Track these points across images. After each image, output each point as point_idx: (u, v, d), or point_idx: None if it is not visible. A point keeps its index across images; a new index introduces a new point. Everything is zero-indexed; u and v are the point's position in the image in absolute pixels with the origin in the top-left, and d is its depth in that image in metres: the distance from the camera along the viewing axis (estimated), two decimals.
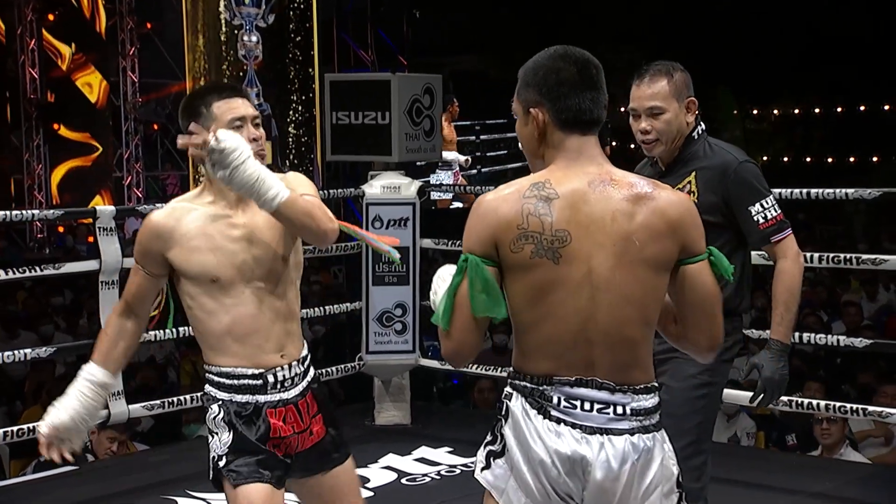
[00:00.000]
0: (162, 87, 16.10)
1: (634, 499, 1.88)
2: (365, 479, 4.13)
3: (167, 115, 16.09)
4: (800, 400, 4.17)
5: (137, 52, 15.68)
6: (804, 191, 4.03)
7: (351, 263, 7.43)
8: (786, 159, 18.03)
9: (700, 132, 2.79)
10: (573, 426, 1.87)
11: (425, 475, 4.23)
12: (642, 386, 1.91)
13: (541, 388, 1.89)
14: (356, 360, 4.96)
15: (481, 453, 1.98)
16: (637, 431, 1.88)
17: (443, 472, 4.27)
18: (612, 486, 1.86)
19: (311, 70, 15.24)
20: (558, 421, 1.87)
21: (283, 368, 2.41)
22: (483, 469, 1.96)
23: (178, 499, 3.88)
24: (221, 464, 2.36)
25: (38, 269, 4.17)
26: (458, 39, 19.11)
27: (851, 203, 7.87)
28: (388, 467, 4.30)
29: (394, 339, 4.92)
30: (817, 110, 19.45)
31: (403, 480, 4.17)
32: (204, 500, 3.85)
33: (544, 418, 1.88)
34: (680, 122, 2.74)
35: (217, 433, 2.39)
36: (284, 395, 2.41)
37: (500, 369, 5.12)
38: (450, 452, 4.49)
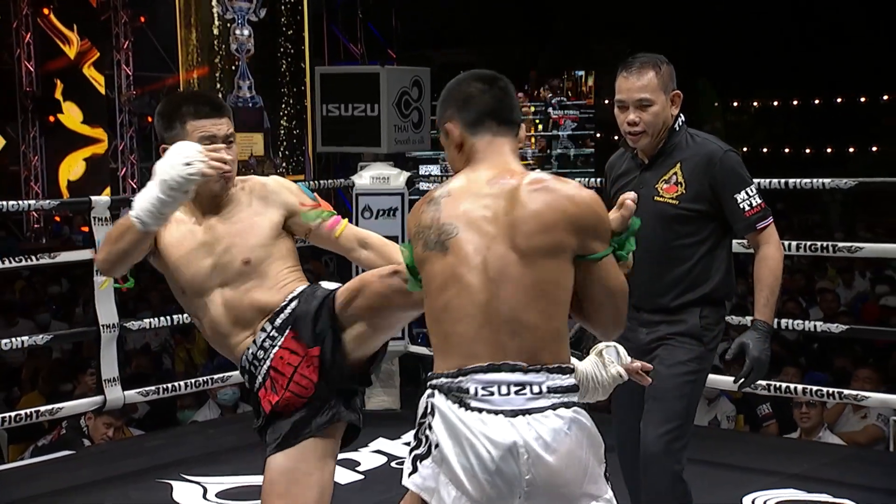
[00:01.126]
0: (155, 81, 16.03)
1: (579, 470, 1.86)
2: (356, 463, 4.14)
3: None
4: (778, 384, 4.20)
5: (131, 45, 15.60)
6: (783, 181, 4.04)
7: None
8: (765, 150, 18.06)
9: (681, 124, 2.78)
10: (495, 413, 1.84)
11: None
12: (555, 366, 1.88)
13: (456, 380, 1.87)
14: None
15: (407, 460, 1.95)
16: (559, 406, 1.86)
17: None
18: (556, 461, 1.84)
19: (302, 63, 15.19)
20: (479, 410, 1.85)
21: (250, 347, 2.34)
22: (410, 474, 1.92)
23: (172, 482, 3.88)
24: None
25: (34, 258, 4.15)
26: (446, 32, 19.06)
27: (828, 193, 7.89)
28: (378, 451, 4.30)
29: None
30: (795, 102, 19.49)
31: (393, 464, 4.17)
32: (198, 483, 3.85)
33: (466, 410, 1.85)
34: (666, 115, 2.73)
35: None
36: (264, 367, 2.32)
37: None
38: None
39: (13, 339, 4.14)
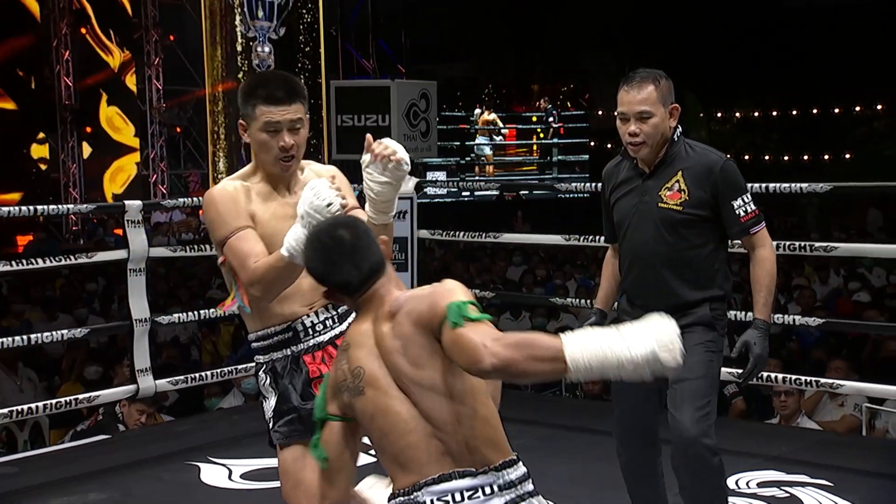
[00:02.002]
0: (183, 94, 16.05)
1: None
2: (367, 446, 4.13)
3: (188, 118, 16.05)
4: (762, 373, 4.18)
5: (162, 61, 15.63)
6: (763, 185, 4.03)
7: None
8: (746, 157, 18.02)
9: (679, 134, 2.75)
10: None
11: None
12: (501, 462, 1.83)
13: (412, 496, 1.82)
14: None
15: None
16: (514, 502, 1.81)
17: None
18: None
19: (318, 77, 15.21)
20: None
21: (309, 315, 2.35)
22: None
23: (200, 464, 3.88)
24: (270, 426, 2.36)
25: (73, 257, 4.16)
26: (450, 48, 19.06)
27: (805, 197, 7.90)
28: None
29: None
30: (775, 113, 19.45)
31: None
32: (223, 465, 3.85)
33: None
34: (665, 127, 2.70)
35: (266, 398, 2.38)
36: (318, 339, 2.35)
37: None
38: None
39: (54, 333, 4.16)
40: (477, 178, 19.12)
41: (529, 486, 1.86)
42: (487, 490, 1.81)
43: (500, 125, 19.72)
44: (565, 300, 5.71)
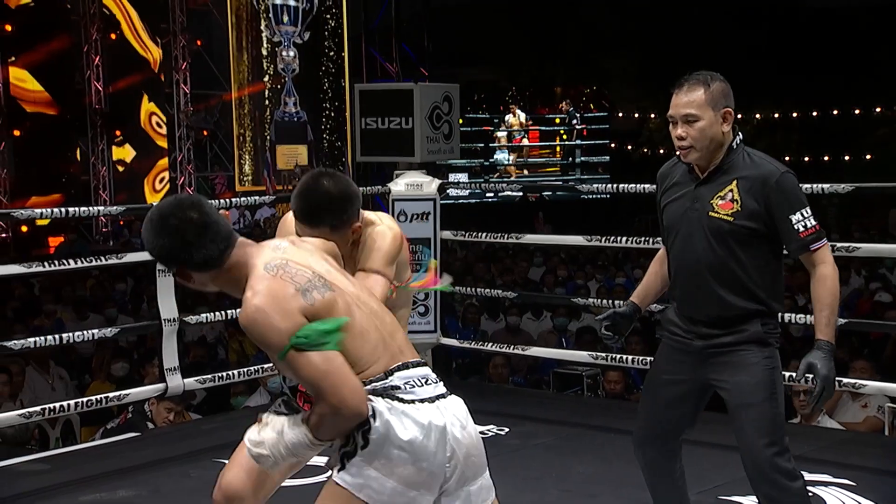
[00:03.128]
0: (210, 98, 16.14)
1: (481, 444, 2.01)
2: None
3: (215, 122, 16.14)
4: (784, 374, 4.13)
5: (189, 66, 15.72)
6: None
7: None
8: None
9: (738, 142, 2.60)
10: (421, 401, 1.94)
11: None
12: (420, 359, 2.03)
13: (386, 381, 1.94)
14: None
15: (336, 458, 1.97)
16: (448, 394, 2.00)
17: None
18: (467, 437, 1.96)
19: (341, 81, 15.24)
20: (412, 402, 1.93)
21: None
22: (339, 471, 1.95)
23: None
24: None
25: (103, 258, 4.18)
26: (472, 52, 19.06)
27: (826, 197, 7.78)
28: None
29: (417, 321, 4.92)
30: (795, 114, 19.30)
31: None
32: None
33: (404, 404, 1.93)
34: (715, 131, 2.55)
35: None
36: None
37: (512, 347, 5.11)
38: None
39: (85, 332, 4.18)
40: (500, 179, 19.11)
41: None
42: (431, 378, 2.00)
43: (525, 125, 19.71)
44: (587, 300, 5.69)
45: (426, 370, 2.00)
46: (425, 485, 1.93)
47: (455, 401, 1.99)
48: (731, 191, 2.57)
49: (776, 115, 19.25)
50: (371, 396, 1.93)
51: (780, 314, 2.67)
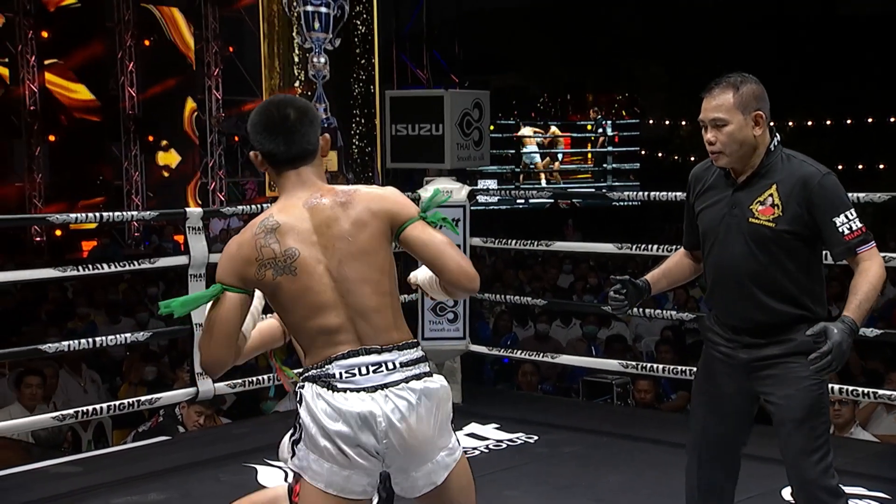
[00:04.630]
0: (242, 104, 16.26)
1: (430, 431, 2.03)
2: None
3: (246, 128, 16.27)
4: None
5: (221, 72, 15.87)
6: None
7: (408, 258, 7.43)
8: None
9: (776, 144, 2.53)
10: (357, 391, 2.00)
11: (475, 448, 4.21)
12: (403, 343, 2.06)
13: (324, 369, 2.02)
14: None
15: (288, 446, 2.09)
16: (411, 379, 2.03)
17: (490, 446, 4.25)
18: (407, 428, 2.00)
19: (371, 87, 15.30)
20: (344, 390, 2.01)
21: None
22: (291, 458, 2.07)
23: (257, 466, 3.91)
24: None
25: (136, 262, 4.23)
26: (503, 58, 19.06)
27: (861, 206, 7.68)
28: None
29: (446, 327, 4.92)
30: (828, 122, 19.10)
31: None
32: (280, 467, 3.87)
33: (333, 392, 2.01)
34: (745, 135, 2.48)
35: None
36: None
37: (541, 355, 5.09)
38: (497, 429, 4.47)
39: (118, 336, 4.23)
40: (530, 185, 19.08)
41: (425, 367, 2.08)
42: (390, 365, 2.03)
43: (541, 133, 19.66)
44: None
45: (388, 356, 2.03)
46: (357, 466, 2.02)
47: (408, 390, 2.01)
48: (771, 195, 2.49)
49: (809, 123, 19.06)
50: (304, 383, 2.05)
51: (825, 319, 2.57)
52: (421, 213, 2.09)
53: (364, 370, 2.02)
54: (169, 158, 16.00)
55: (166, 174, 16.11)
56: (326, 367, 2.02)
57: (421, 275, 2.26)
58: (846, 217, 2.45)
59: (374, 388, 2.01)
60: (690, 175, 2.71)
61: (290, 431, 2.08)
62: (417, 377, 2.04)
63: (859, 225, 2.45)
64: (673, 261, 2.79)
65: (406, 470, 2.06)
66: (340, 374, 2.01)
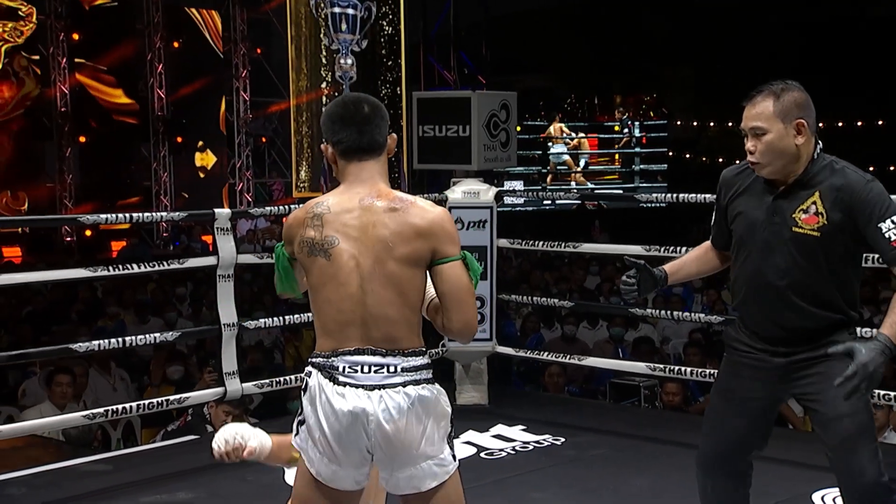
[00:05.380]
0: (269, 105, 16.36)
1: (416, 436, 2.11)
2: None
3: (273, 129, 16.35)
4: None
5: (249, 73, 15.96)
6: None
7: None
8: None
9: (819, 152, 2.49)
10: (356, 386, 2.10)
11: (502, 450, 4.21)
12: (410, 350, 2.14)
13: (330, 360, 2.13)
14: (440, 346, 4.96)
15: (295, 424, 2.21)
16: (409, 384, 2.11)
17: (517, 448, 4.24)
18: (394, 428, 2.09)
19: (398, 89, 15.34)
20: (344, 384, 2.11)
21: None
22: (295, 436, 2.21)
23: (284, 466, 3.92)
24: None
25: (165, 263, 4.26)
26: (530, 60, 19.04)
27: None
28: (468, 442, 4.29)
29: None
30: (859, 124, 18.91)
31: (482, 455, 4.16)
32: None
33: (334, 384, 2.11)
34: (785, 144, 2.44)
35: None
36: None
37: (568, 357, 5.08)
38: (523, 430, 4.47)
39: (147, 336, 4.26)
40: (556, 187, 19.04)
41: (427, 374, 2.15)
42: (392, 369, 2.12)
43: (569, 133, 19.60)
44: (644, 310, 5.63)
45: (392, 360, 2.11)
46: (345, 462, 2.13)
47: (401, 394, 2.10)
48: (815, 203, 2.46)
49: (840, 125, 18.89)
50: (311, 369, 2.16)
51: (856, 326, 2.57)
52: (463, 254, 2.16)
53: (366, 369, 2.11)
54: (206, 159, 16.11)
55: (202, 175, 16.21)
56: (332, 359, 2.13)
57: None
58: (893, 223, 2.40)
59: (372, 388, 2.10)
60: (721, 177, 2.67)
61: (298, 410, 2.20)
62: (416, 383, 2.12)
63: None
64: (696, 253, 2.76)
65: (389, 468, 2.15)
66: (344, 368, 2.11)
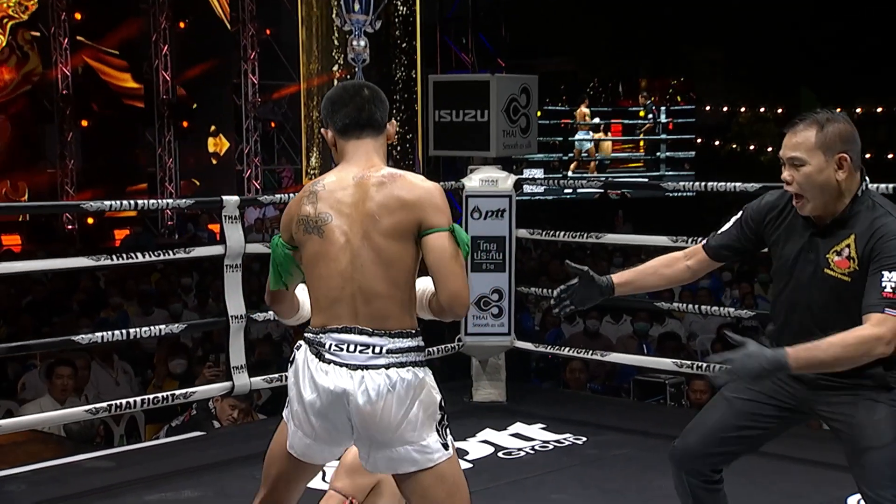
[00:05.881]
0: (278, 88, 16.37)
1: (394, 420, 2.17)
2: (464, 452, 4.14)
3: (283, 113, 16.37)
4: None
5: (258, 56, 15.96)
6: (889, 185, 3.88)
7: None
8: (868, 155, 17.42)
9: (863, 190, 2.44)
10: (340, 365, 2.19)
11: (520, 449, 4.22)
12: (397, 331, 2.20)
13: (318, 336, 2.23)
14: (455, 340, 4.97)
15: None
16: (393, 366, 2.18)
17: (536, 447, 4.25)
18: (371, 410, 2.17)
19: (413, 72, 15.31)
20: (329, 362, 2.20)
21: None
22: (285, 408, 2.33)
23: None
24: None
25: (171, 252, 4.28)
26: (551, 43, 18.96)
27: None
28: (485, 441, 4.30)
29: (490, 322, 4.92)
30: None
31: (500, 454, 4.17)
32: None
33: (319, 361, 2.21)
34: (825, 178, 2.40)
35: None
36: None
37: (591, 352, 5.08)
38: (543, 429, 4.47)
39: (152, 328, 4.28)
40: (578, 175, 18.98)
41: (413, 357, 2.21)
42: (376, 350, 2.19)
43: (592, 119, 19.53)
44: (670, 304, 5.62)
45: (378, 341, 2.19)
46: (321, 438, 2.24)
47: (382, 376, 2.17)
48: (849, 246, 2.43)
49: (878, 110, 18.75)
50: (301, 343, 2.26)
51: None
52: (452, 225, 2.21)
53: (352, 348, 2.19)
54: (220, 145, 16.11)
55: (215, 161, 16.21)
56: (321, 335, 2.22)
57: (419, 286, 2.33)
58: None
59: (356, 367, 2.18)
60: (765, 199, 2.62)
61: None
62: (400, 365, 2.19)
63: None
64: (658, 264, 2.74)
65: (367, 448, 2.24)
66: (331, 345, 2.20)
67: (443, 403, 2.24)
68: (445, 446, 2.22)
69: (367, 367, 2.18)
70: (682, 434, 2.69)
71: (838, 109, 2.54)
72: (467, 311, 2.25)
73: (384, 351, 2.19)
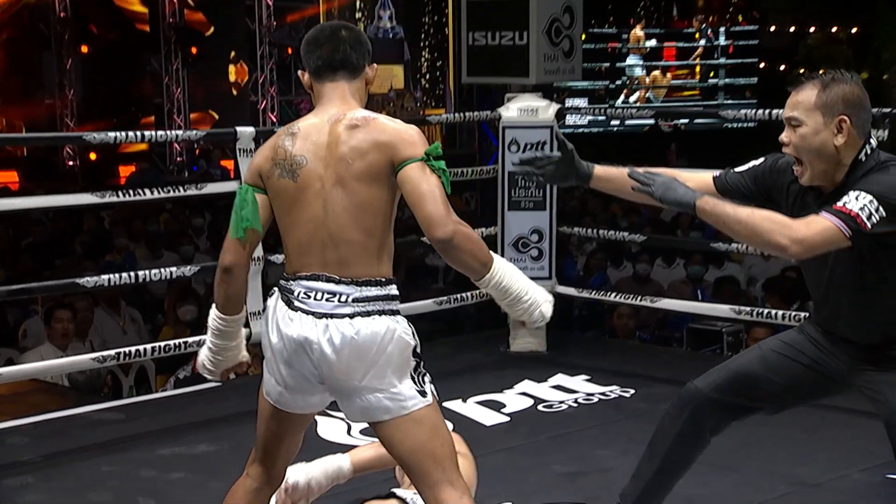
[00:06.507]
0: (296, 10, 16.27)
1: (358, 370, 2.27)
2: (501, 405, 4.18)
3: (300, 39, 16.29)
4: None
5: None
6: None
7: (486, 189, 7.43)
8: None
9: (867, 154, 2.46)
10: (306, 312, 2.30)
11: (562, 402, 4.25)
12: (365, 279, 2.29)
13: (289, 283, 2.34)
14: None
15: None
16: (358, 315, 2.28)
17: (580, 400, 4.28)
18: (336, 359, 2.27)
19: None
20: (296, 309, 2.31)
21: None
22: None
23: (317, 417, 3.97)
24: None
25: (181, 188, 4.29)
26: None
27: None
28: (524, 393, 4.33)
29: (529, 266, 4.92)
30: None
31: (540, 407, 4.20)
32: (342, 419, 3.96)
33: (288, 308, 2.32)
34: (821, 141, 2.43)
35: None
36: None
37: (640, 298, 5.08)
38: (587, 381, 4.49)
39: (162, 270, 4.32)
40: (626, 105, 18.79)
41: (381, 306, 2.29)
42: (343, 298, 2.29)
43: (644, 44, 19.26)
44: (728, 246, 5.58)
45: (345, 289, 2.28)
46: (291, 387, 2.36)
47: (346, 324, 2.26)
48: None
49: None
50: (275, 290, 2.39)
51: None
52: (425, 154, 2.27)
53: (319, 295, 2.30)
54: (241, 73, 16.03)
55: (234, 92, 16.14)
56: (291, 282, 2.34)
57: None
58: (863, 198, 2.35)
59: (321, 315, 2.29)
60: (783, 160, 2.61)
61: None
62: (366, 314, 2.28)
63: (858, 210, 2.34)
64: (662, 172, 2.73)
65: (338, 397, 2.36)
66: (299, 293, 2.32)
67: (418, 350, 2.32)
68: (423, 393, 2.30)
69: (332, 316, 2.28)
70: (703, 375, 2.75)
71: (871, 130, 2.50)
72: (456, 238, 2.22)
73: (350, 300, 2.29)
